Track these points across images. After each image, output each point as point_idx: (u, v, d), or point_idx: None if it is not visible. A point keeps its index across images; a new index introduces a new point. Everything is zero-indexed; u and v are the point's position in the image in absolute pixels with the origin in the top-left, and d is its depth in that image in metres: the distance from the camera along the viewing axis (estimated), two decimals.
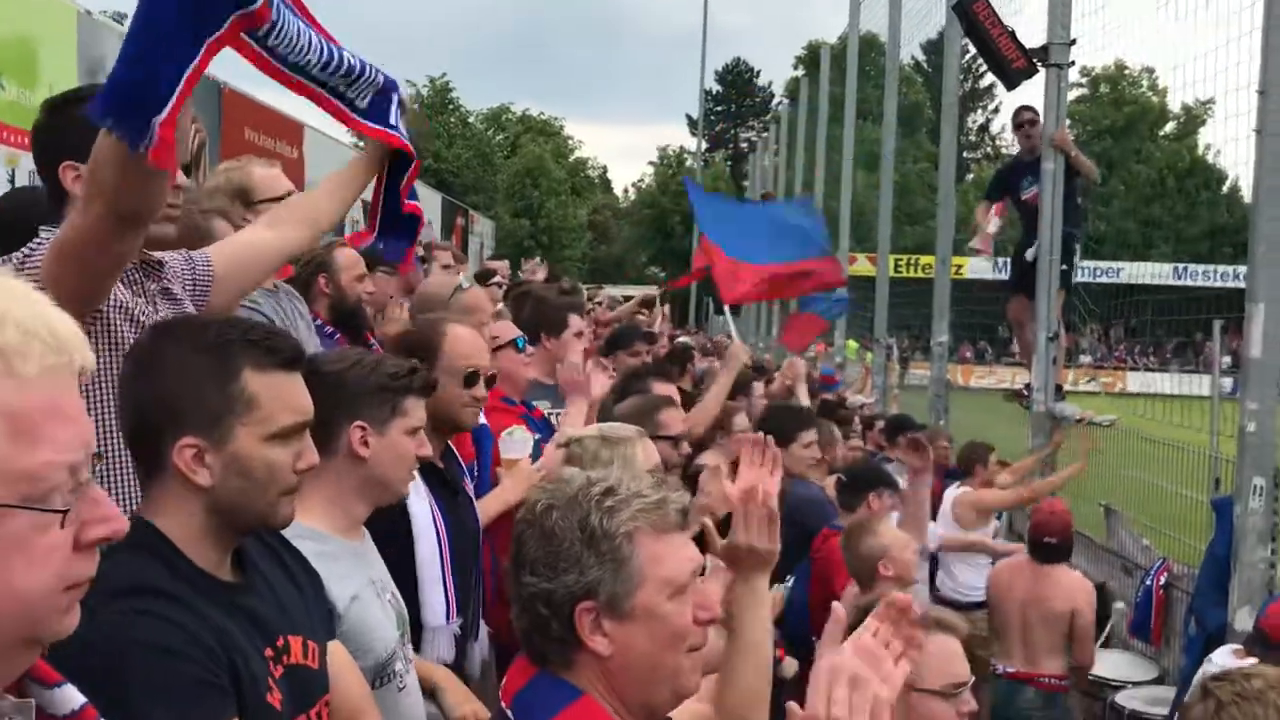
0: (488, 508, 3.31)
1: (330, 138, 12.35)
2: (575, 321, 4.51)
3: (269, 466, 1.66)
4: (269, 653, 1.67)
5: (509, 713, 1.64)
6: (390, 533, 2.50)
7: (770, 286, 7.28)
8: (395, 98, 2.38)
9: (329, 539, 2.18)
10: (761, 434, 2.20)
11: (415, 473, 2.49)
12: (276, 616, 1.73)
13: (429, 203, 20.23)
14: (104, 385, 1.96)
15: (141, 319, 2.07)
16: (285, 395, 1.69)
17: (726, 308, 6.93)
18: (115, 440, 1.87)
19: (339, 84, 2.24)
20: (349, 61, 2.22)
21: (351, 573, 2.19)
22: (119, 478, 1.94)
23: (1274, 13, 4.68)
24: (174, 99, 1.68)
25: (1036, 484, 5.52)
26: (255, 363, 1.66)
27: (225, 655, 1.55)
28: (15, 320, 0.91)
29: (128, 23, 1.74)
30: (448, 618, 2.67)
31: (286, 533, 1.86)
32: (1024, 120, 7.63)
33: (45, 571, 0.93)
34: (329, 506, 2.21)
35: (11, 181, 5.40)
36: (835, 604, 1.56)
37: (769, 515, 2.09)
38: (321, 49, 2.14)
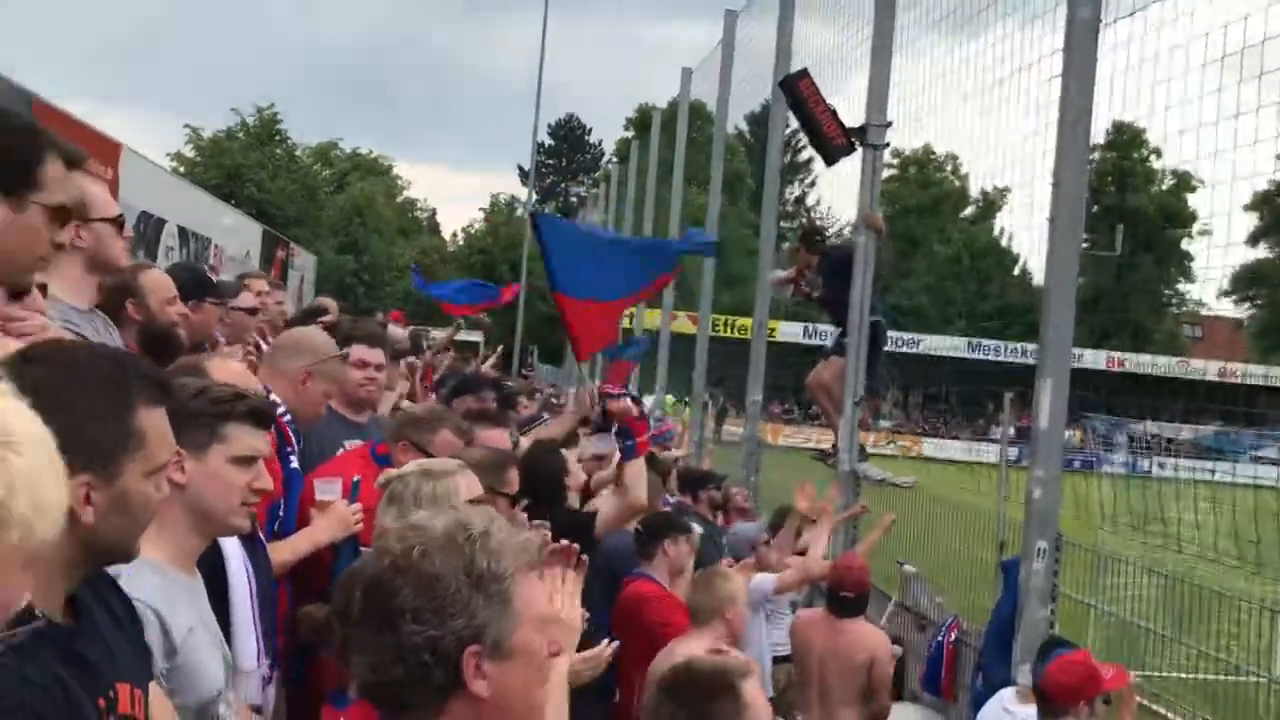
0: (297, 546, 3.24)
1: (149, 161, 11.70)
2: (357, 349, 4.31)
3: (147, 503, 1.62)
4: (101, 703, 1.56)
5: None
6: (207, 574, 2.42)
7: (614, 320, 6.86)
8: None
9: (167, 570, 2.14)
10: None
11: None
12: (107, 662, 1.62)
13: (248, 231, 19.49)
14: None
15: None
16: (165, 431, 1.65)
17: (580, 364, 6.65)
18: None
19: None
20: None
21: (187, 608, 2.15)
22: None
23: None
24: None
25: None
26: (148, 399, 1.61)
27: (66, 707, 1.46)
28: None
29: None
30: (257, 661, 2.59)
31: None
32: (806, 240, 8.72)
33: None
34: (161, 536, 2.12)
35: None
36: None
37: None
38: None
